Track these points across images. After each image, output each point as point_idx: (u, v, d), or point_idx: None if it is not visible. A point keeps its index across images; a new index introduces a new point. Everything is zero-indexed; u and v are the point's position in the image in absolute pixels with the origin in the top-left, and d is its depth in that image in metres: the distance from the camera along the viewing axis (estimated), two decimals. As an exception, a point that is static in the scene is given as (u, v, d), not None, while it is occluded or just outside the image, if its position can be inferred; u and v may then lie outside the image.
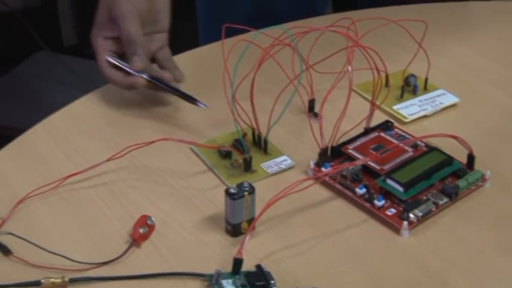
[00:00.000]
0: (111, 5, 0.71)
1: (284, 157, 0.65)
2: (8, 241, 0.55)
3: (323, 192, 0.61)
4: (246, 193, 0.55)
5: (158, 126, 0.70)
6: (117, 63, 0.71)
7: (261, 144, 0.66)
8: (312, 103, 0.70)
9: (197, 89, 0.72)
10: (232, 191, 0.55)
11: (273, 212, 0.57)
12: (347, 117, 0.62)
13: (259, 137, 0.66)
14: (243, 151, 0.63)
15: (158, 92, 0.73)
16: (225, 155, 0.65)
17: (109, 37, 0.72)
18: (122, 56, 0.72)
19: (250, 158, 0.63)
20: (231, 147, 0.65)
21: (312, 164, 0.63)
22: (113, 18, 0.71)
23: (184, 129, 0.70)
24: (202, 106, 0.68)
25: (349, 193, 0.60)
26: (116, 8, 0.70)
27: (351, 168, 0.60)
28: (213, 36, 0.80)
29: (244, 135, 0.63)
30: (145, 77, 0.70)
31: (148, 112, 0.72)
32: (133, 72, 0.70)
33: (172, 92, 0.71)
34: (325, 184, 0.62)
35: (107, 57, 0.71)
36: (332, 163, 0.63)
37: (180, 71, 0.72)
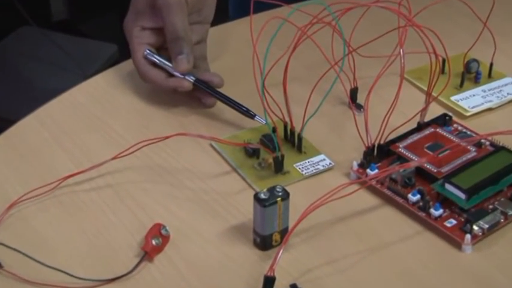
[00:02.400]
0: None
1: (321, 156, 0.65)
2: (-2, 253, 0.56)
3: (368, 199, 0.62)
4: (278, 199, 0.55)
5: (173, 119, 0.70)
6: (158, 62, 0.71)
7: (294, 141, 0.66)
8: (354, 92, 0.70)
9: (220, 73, 0.72)
10: (262, 196, 0.55)
11: (310, 221, 0.57)
12: (396, 109, 0.61)
13: (292, 132, 0.66)
14: (274, 149, 0.63)
15: (198, 95, 0.71)
16: (252, 153, 0.65)
17: (147, 27, 0.71)
18: (160, 49, 0.72)
19: (282, 157, 0.63)
20: (259, 144, 0.65)
21: (355, 165, 0.63)
22: (156, 7, 0.70)
23: (204, 122, 0.70)
24: (262, 121, 0.66)
25: (400, 200, 0.60)
26: None
27: (402, 170, 0.60)
28: (243, 13, 0.80)
29: (275, 130, 0.63)
30: (191, 80, 0.69)
31: (161, 102, 0.72)
32: (177, 74, 0.70)
33: (222, 100, 0.69)
34: (371, 189, 0.62)
35: (145, 52, 0.71)
36: (379, 164, 0.63)
37: (218, 75, 0.71)
